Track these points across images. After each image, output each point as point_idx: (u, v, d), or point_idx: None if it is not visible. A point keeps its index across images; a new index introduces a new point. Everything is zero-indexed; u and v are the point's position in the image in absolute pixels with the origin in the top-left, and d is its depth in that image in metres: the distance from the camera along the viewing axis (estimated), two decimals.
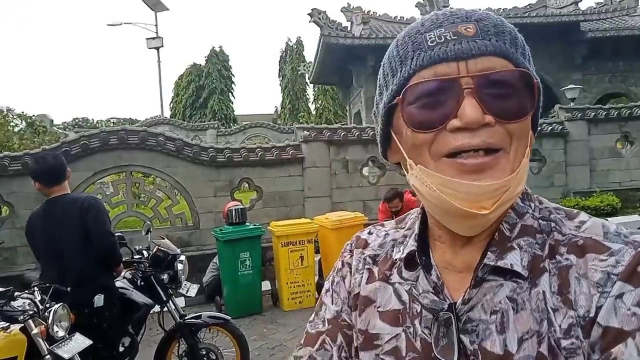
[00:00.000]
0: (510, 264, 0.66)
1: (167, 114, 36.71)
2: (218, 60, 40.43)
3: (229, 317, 4.33)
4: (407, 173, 0.71)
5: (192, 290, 4.37)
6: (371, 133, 9.95)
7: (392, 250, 0.82)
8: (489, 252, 0.67)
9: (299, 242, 6.87)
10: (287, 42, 44.42)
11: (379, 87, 0.74)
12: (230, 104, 40.63)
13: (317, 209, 8.98)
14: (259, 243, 6.87)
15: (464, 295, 0.68)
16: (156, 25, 26.49)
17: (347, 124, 15.09)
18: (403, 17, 20.00)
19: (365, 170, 10.24)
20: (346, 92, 22.17)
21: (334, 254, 6.93)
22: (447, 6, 17.81)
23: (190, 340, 3.99)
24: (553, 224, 0.70)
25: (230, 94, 40.88)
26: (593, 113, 11.49)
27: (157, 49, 26.19)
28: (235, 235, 6.60)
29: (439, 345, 0.68)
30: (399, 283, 0.77)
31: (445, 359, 0.66)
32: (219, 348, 4.17)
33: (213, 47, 40.97)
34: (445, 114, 0.62)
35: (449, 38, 0.63)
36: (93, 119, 57.06)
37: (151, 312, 4.06)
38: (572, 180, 11.16)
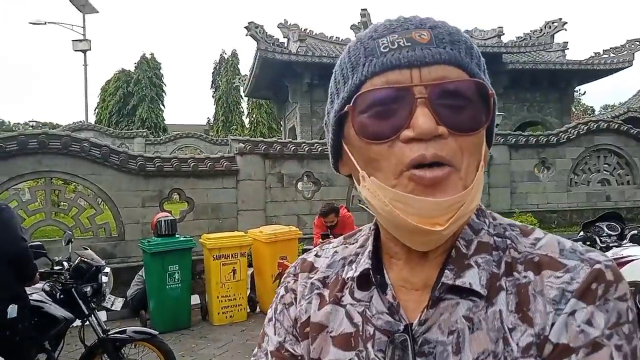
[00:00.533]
0: (469, 283, 0.63)
1: (92, 119, 35.05)
2: (149, 67, 39.24)
3: (156, 332, 4.12)
4: (359, 185, 0.67)
5: (118, 303, 4.14)
6: (307, 148, 10.00)
7: (343, 270, 0.77)
8: (446, 270, 0.65)
9: (232, 256, 6.70)
10: (221, 54, 43.98)
11: (330, 94, 0.71)
12: (161, 112, 39.45)
13: (251, 222, 8.84)
14: (190, 256, 6.64)
15: (420, 316, 0.65)
16: (84, 27, 25.34)
17: (282, 139, 15.09)
18: (339, 38, 20.40)
19: (300, 185, 10.24)
20: (281, 107, 22.21)
21: (268, 267, 6.84)
22: None
23: (113, 356, 3.76)
24: (509, 241, 0.68)
25: (160, 102, 39.72)
26: (514, 139, 12.26)
27: (84, 51, 24.99)
28: (164, 248, 6.34)
29: None
30: (351, 304, 0.72)
31: None
32: None
33: (144, 54, 39.78)
34: (398, 124, 0.59)
35: (402, 44, 0.61)
36: (9, 122, 53.48)
37: (71, 326, 3.79)
38: (494, 202, 11.74)
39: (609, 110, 29.00)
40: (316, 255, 0.83)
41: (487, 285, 0.64)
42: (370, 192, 0.63)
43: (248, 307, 6.94)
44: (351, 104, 0.62)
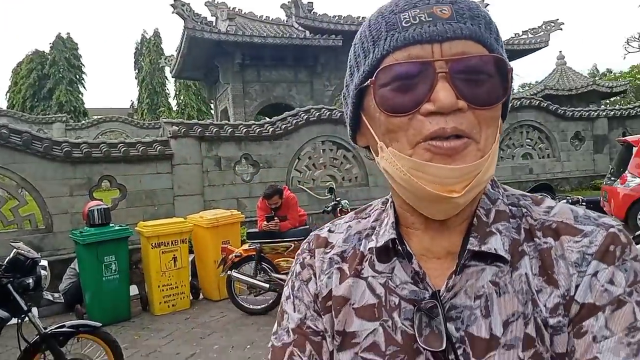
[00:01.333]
0: (494, 249, 0.66)
1: (3, 105, 32.59)
2: (65, 48, 36.89)
3: (98, 324, 3.91)
4: (377, 156, 0.69)
5: (58, 297, 3.88)
6: (244, 130, 9.80)
7: (360, 244, 0.78)
8: (471, 238, 0.67)
9: (172, 243, 6.47)
10: (143, 34, 42.07)
11: (350, 67, 0.71)
12: (80, 95, 37.33)
13: (189, 208, 8.58)
14: (126, 245, 6.34)
15: (447, 283, 0.67)
16: None
17: (215, 121, 14.71)
18: (269, 17, 20.06)
19: (238, 168, 10.04)
20: (212, 88, 21.64)
21: (210, 253, 6.69)
22: (312, 10, 18.35)
23: (57, 352, 3.53)
24: (524, 209, 0.71)
25: (80, 84, 37.57)
26: None
27: None
28: (99, 238, 6.01)
29: (422, 335, 0.65)
30: (372, 277, 0.73)
31: (431, 348, 0.64)
32: (91, 358, 3.75)
33: (59, 34, 37.31)
34: (419, 97, 0.61)
35: (424, 19, 0.61)
36: None
37: (6, 325, 3.50)
38: None
39: (527, 88, 30.58)
40: (329, 231, 0.83)
41: (510, 251, 0.66)
42: (389, 162, 0.65)
43: (191, 294, 6.76)
44: (373, 78, 0.63)
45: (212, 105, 27.32)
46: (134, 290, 6.71)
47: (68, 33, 38.07)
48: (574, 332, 0.62)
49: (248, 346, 4.97)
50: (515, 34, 21.40)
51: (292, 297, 0.80)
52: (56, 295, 3.89)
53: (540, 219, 0.69)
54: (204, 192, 9.38)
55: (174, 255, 6.48)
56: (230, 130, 9.65)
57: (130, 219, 8.08)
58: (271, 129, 10.10)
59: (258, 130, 9.97)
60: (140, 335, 5.60)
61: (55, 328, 3.61)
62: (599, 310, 0.61)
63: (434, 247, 0.70)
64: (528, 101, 13.67)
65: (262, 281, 5.94)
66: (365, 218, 0.82)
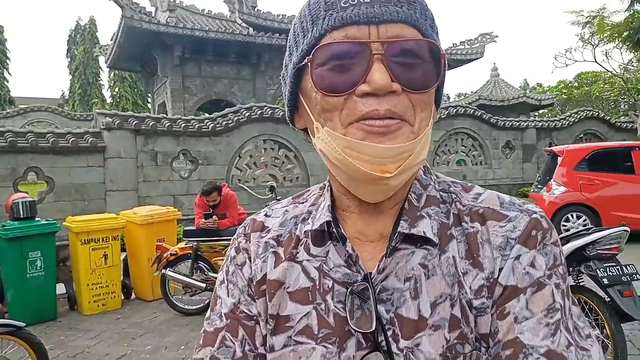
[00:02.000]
0: (423, 232, 0.67)
1: None
2: None
3: (21, 324, 3.67)
4: (314, 138, 0.69)
5: None
6: (183, 125, 9.56)
7: (296, 228, 0.78)
8: (401, 221, 0.68)
9: (103, 239, 6.18)
10: (77, 21, 40.13)
11: (289, 47, 0.72)
12: (5, 82, 35.04)
13: (121, 204, 8.28)
14: (53, 241, 5.99)
15: (378, 265, 0.67)
16: None
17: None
18: (211, 11, 19.72)
19: (176, 164, 9.77)
20: (149, 80, 20.95)
21: (144, 251, 6.46)
22: (255, 6, 18.20)
23: None
24: (454, 195, 0.73)
25: (4, 70, 35.28)
26: None
27: None
28: (23, 232, 5.65)
29: (354, 317, 0.66)
30: (307, 260, 0.74)
31: (362, 329, 0.65)
32: None
33: None
34: (354, 78, 0.61)
35: (362, 1, 0.62)
36: None
37: None
38: None
39: (463, 97, 31.77)
40: (266, 215, 0.83)
41: (439, 234, 0.68)
42: (325, 143, 0.65)
43: (122, 294, 6.49)
44: (310, 56, 0.63)
45: (149, 99, 26.49)
46: (61, 288, 6.35)
47: None
48: (497, 314, 0.64)
49: (182, 347, 4.83)
50: (453, 44, 22.17)
51: (226, 281, 0.79)
52: None
53: (468, 205, 0.71)
54: (138, 188, 9.07)
55: (105, 252, 6.19)
56: (168, 124, 9.38)
57: (58, 213, 7.67)
58: (211, 125, 9.91)
59: (197, 125, 9.75)
60: (67, 335, 5.31)
61: None
62: (521, 292, 0.63)
63: (367, 231, 0.71)
64: (463, 109, 14.20)
65: (198, 280, 5.79)
66: (303, 203, 0.82)
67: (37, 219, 5.99)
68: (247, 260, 0.78)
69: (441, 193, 0.73)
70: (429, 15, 0.66)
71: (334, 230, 0.72)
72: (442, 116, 13.66)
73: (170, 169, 9.50)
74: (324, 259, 0.72)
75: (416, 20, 0.62)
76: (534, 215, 0.67)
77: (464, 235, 0.68)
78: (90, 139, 8.54)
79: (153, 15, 17.00)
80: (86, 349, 4.87)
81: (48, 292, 5.86)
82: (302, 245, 0.75)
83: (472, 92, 27.31)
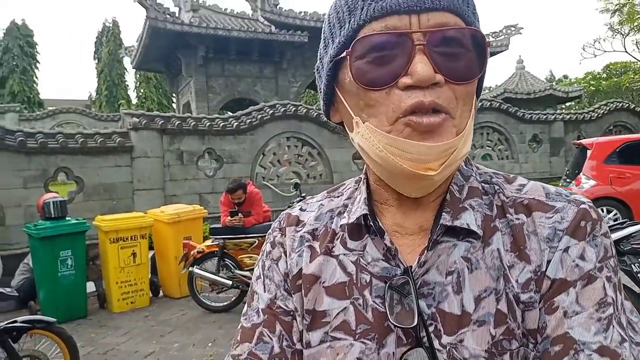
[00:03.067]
0: (467, 224, 0.65)
1: None
2: (20, 35, 35.38)
3: (53, 319, 3.76)
4: (351, 132, 0.67)
5: (11, 292, 3.70)
6: (208, 124, 9.63)
7: (332, 222, 0.77)
8: (443, 213, 0.66)
9: (131, 238, 6.28)
10: (104, 23, 40.80)
11: (324, 39, 0.69)
12: (35, 85, 35.89)
13: (149, 202, 8.38)
14: (83, 240, 6.11)
15: (419, 258, 0.66)
16: None
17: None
18: (233, 10, 19.81)
19: (201, 163, 9.86)
20: (174, 81, 21.19)
21: (171, 249, 6.53)
22: (277, 4, 18.21)
23: (9, 348, 3.37)
24: (496, 187, 0.71)
25: (34, 74, 36.12)
26: None
27: None
28: (55, 232, 5.77)
29: (394, 312, 0.64)
30: (344, 254, 0.72)
31: (402, 325, 0.63)
32: (45, 354, 3.62)
33: (14, 20, 35.80)
34: (396, 70, 0.59)
35: None
36: None
37: None
38: None
39: (488, 91, 31.33)
40: (301, 210, 0.82)
41: (482, 227, 0.66)
42: (365, 139, 0.63)
43: (150, 291, 6.59)
44: (349, 49, 0.61)
45: (173, 99, 26.82)
46: (91, 287, 6.48)
47: (23, 19, 36.59)
48: (545, 308, 0.61)
49: (209, 344, 4.87)
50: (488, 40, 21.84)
51: (262, 276, 0.77)
52: (8, 290, 3.70)
53: (512, 196, 0.69)
54: (165, 187, 9.18)
55: (133, 250, 6.30)
56: (193, 123, 9.47)
57: (87, 213, 7.81)
58: (235, 124, 9.97)
59: (222, 124, 9.81)
60: (98, 333, 5.41)
61: (8, 323, 3.46)
62: (570, 285, 0.61)
63: (406, 224, 0.70)
64: (489, 103, 13.97)
65: (224, 278, 5.84)
66: (338, 197, 0.81)
67: (67, 218, 6.11)
68: (283, 254, 0.77)
69: (483, 184, 0.71)
70: (471, 2, 0.64)
71: (372, 223, 0.70)
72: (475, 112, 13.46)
73: (196, 168, 9.60)
74: (361, 252, 0.71)
75: (458, 7, 0.61)
76: (582, 206, 0.65)
77: (509, 227, 0.66)
78: (118, 139, 8.68)
79: (177, 15, 17.17)
80: (116, 346, 4.95)
81: (79, 290, 5.99)
82: (339, 239, 0.74)
83: (497, 85, 26.87)
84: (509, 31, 21.58)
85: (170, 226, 6.52)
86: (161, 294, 6.87)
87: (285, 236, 0.79)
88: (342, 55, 0.63)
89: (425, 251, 0.65)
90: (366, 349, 0.66)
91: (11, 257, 6.80)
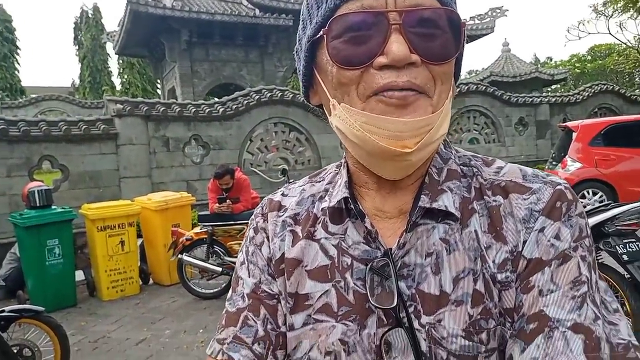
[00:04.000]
0: (445, 206, 0.66)
1: None
2: None
3: (41, 308, 3.74)
4: (330, 115, 0.68)
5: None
6: (193, 110, 9.54)
7: (313, 206, 0.78)
8: (422, 195, 0.67)
9: (119, 226, 6.24)
10: (82, 8, 39.88)
11: (302, 21, 0.69)
12: (16, 72, 35.17)
13: (135, 190, 8.31)
14: (70, 228, 6.06)
15: (399, 240, 0.66)
16: None
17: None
18: None
19: (187, 149, 9.78)
20: (157, 66, 20.88)
21: (160, 236, 6.51)
22: None
23: None
24: (475, 169, 0.71)
25: (15, 60, 35.38)
26: None
27: None
28: (40, 221, 5.72)
29: (374, 294, 0.66)
30: (325, 238, 0.73)
31: (383, 306, 0.64)
32: (34, 343, 3.61)
33: None
34: (372, 50, 0.59)
35: None
36: None
37: None
38: None
39: (474, 74, 31.38)
40: (282, 195, 0.83)
41: (460, 209, 0.67)
42: (342, 120, 0.64)
43: (140, 279, 6.57)
44: (326, 28, 0.61)
45: (158, 85, 26.46)
46: (80, 275, 6.44)
47: (0, 4, 35.70)
48: (521, 287, 0.62)
49: (201, 330, 4.88)
50: (463, 19, 21.81)
51: (246, 262, 0.78)
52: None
53: (490, 179, 0.69)
54: (151, 174, 9.11)
55: (122, 238, 6.26)
56: (178, 109, 9.38)
57: (73, 201, 7.74)
58: (221, 109, 9.89)
59: (208, 110, 9.73)
60: (88, 321, 5.40)
61: None
62: (545, 265, 0.61)
63: (386, 207, 0.70)
64: (475, 87, 13.99)
65: (214, 265, 5.84)
66: (319, 181, 0.82)
67: (53, 207, 6.05)
68: (266, 239, 0.78)
69: (462, 167, 0.72)
70: None
71: (352, 206, 0.70)
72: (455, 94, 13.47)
73: (183, 155, 9.52)
74: (342, 236, 0.71)
75: None
76: (558, 187, 0.66)
77: (486, 209, 0.67)
78: (102, 126, 8.57)
79: None
80: (106, 334, 4.95)
81: (67, 278, 5.96)
82: (320, 224, 0.75)
83: (483, 68, 26.95)
84: (494, 13, 21.56)
85: (158, 214, 6.48)
86: (151, 281, 6.85)
87: (267, 221, 0.79)
88: (319, 35, 0.63)
89: (404, 233, 0.66)
90: (348, 330, 0.67)
91: None
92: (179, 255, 5.83)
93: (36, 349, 3.63)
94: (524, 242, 0.63)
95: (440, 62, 0.60)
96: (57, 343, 3.71)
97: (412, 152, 0.60)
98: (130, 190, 8.46)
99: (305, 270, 0.73)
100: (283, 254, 0.75)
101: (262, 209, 0.82)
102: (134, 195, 7.49)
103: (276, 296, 0.75)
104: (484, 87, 14.17)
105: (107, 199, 7.65)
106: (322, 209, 0.75)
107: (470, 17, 21.88)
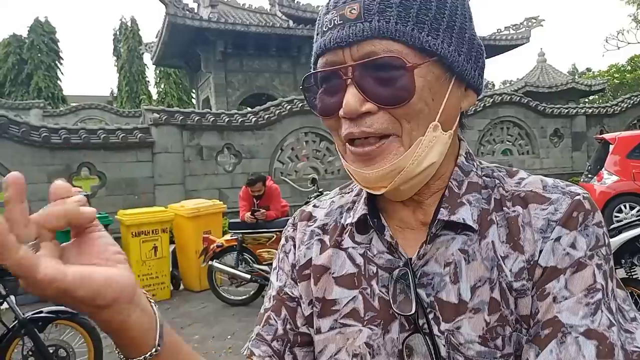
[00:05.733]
0: (463, 219, 0.68)
1: None
2: (44, 32, 35.96)
3: (77, 310, 3.86)
4: None
5: None
6: (226, 119, 9.72)
7: (341, 217, 0.82)
8: (441, 208, 0.70)
9: (152, 232, 6.41)
10: (121, 20, 41.16)
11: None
12: (58, 81, 36.49)
13: (170, 197, 8.50)
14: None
15: (418, 251, 0.70)
16: None
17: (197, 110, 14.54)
18: (252, 5, 19.85)
19: (220, 158, 9.96)
20: (193, 76, 21.36)
21: (191, 243, 6.63)
22: None
23: (36, 338, 3.50)
24: (497, 181, 0.73)
25: (57, 70, 36.72)
26: None
27: None
28: None
29: (397, 301, 0.69)
30: (352, 247, 0.77)
31: (403, 312, 0.67)
32: (69, 344, 3.74)
33: (37, 17, 36.40)
34: (337, 102, 0.64)
35: (337, 22, 0.63)
36: None
37: None
38: None
39: (508, 85, 30.90)
40: (314, 206, 0.88)
41: (479, 220, 0.69)
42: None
43: (171, 285, 6.71)
44: (300, 86, 0.71)
45: (193, 95, 27.03)
46: None
47: (46, 17, 37.17)
48: (537, 295, 0.64)
49: (229, 336, 4.95)
50: (498, 30, 21.58)
51: (277, 267, 0.85)
52: None
53: (511, 190, 0.71)
54: (185, 182, 9.30)
55: (155, 244, 6.42)
56: (212, 119, 9.57)
57: (110, 207, 7.96)
58: (254, 119, 10.04)
59: (241, 119, 9.90)
60: None
61: (34, 313, 3.58)
62: (560, 272, 0.63)
63: (407, 219, 0.74)
64: (509, 97, 13.81)
65: (243, 272, 5.91)
66: (348, 193, 0.86)
67: None
68: (292, 247, 0.84)
69: (484, 178, 0.74)
70: (413, 12, 0.62)
71: (371, 222, 0.75)
72: (487, 104, 13.33)
73: (215, 163, 9.70)
74: (368, 245, 0.75)
75: (387, 30, 0.60)
76: (577, 197, 0.67)
77: (505, 219, 0.69)
78: (139, 135, 8.81)
79: (195, 11, 17.28)
80: None
81: None
82: (347, 233, 0.79)
83: (517, 78, 26.48)
84: (529, 23, 21.24)
85: (191, 220, 6.62)
86: (182, 287, 6.98)
87: (296, 230, 0.86)
88: (305, 85, 0.71)
89: (425, 244, 0.69)
90: (373, 334, 0.71)
91: None
92: (210, 262, 5.93)
93: (71, 350, 3.76)
94: (540, 251, 0.65)
95: (394, 105, 0.62)
96: (91, 344, 3.83)
97: (391, 190, 0.66)
98: (164, 197, 8.66)
99: (333, 277, 0.77)
100: (309, 260, 0.80)
101: (294, 219, 0.88)
102: (167, 202, 7.66)
103: (296, 299, 0.80)
104: (517, 98, 13.96)
105: (142, 206, 7.85)
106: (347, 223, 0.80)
107: (505, 27, 21.63)
